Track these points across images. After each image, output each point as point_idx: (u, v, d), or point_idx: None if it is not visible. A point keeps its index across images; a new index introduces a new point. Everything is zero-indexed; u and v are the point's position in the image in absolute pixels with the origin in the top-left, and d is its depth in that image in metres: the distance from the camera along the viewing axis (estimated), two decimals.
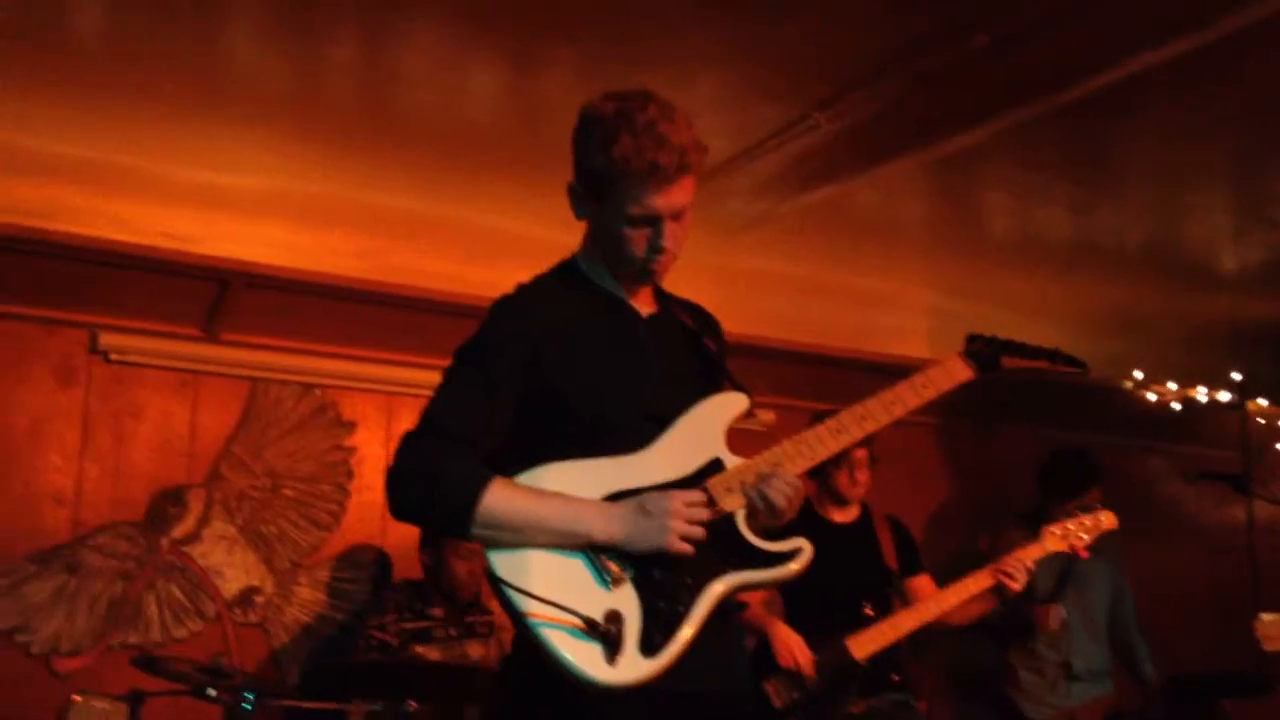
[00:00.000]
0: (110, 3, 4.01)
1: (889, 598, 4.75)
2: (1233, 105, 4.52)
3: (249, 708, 4.26)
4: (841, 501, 4.86)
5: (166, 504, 5.44)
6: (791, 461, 2.51)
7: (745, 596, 2.48)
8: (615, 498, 2.38)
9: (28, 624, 5.11)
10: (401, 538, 5.48)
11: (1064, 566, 5.32)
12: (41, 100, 4.58)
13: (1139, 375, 6.76)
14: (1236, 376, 6.68)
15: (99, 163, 4.93)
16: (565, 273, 2.64)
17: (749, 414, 2.57)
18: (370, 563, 5.74)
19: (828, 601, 4.44)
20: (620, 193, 2.45)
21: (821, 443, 2.56)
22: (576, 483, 2.37)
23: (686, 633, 2.30)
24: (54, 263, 5.11)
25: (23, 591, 5.12)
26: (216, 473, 5.55)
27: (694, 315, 2.72)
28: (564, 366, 2.44)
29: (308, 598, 5.62)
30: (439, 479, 2.34)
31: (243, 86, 4.50)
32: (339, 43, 4.24)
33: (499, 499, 2.31)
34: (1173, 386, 6.80)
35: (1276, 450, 7.10)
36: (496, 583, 2.31)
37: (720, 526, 2.40)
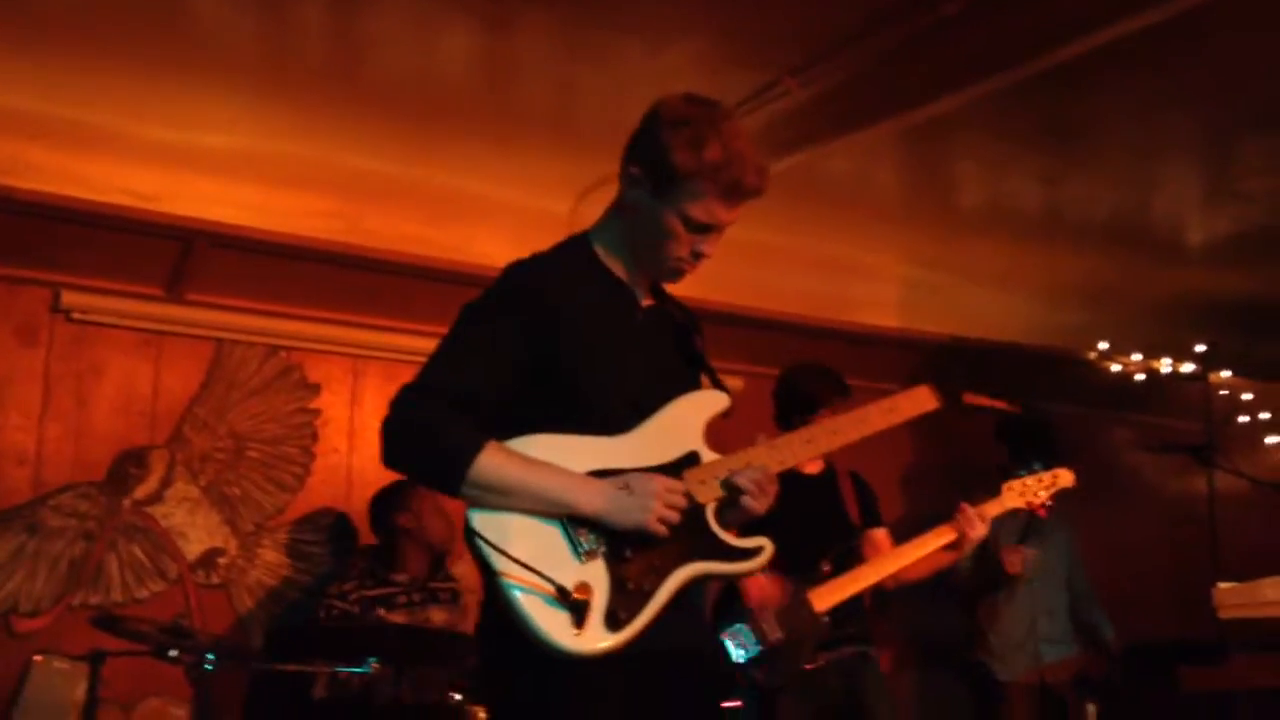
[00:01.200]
0: None
1: (852, 551, 4.77)
2: (1203, 77, 4.53)
3: (210, 669, 4.25)
4: None
5: (128, 464, 5.40)
6: (762, 463, 2.62)
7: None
8: (596, 475, 2.47)
9: None
10: (365, 502, 5.48)
11: (1024, 525, 5.36)
12: (3, 55, 4.51)
13: (1103, 346, 6.80)
14: (1200, 348, 6.72)
15: (62, 119, 4.87)
16: (576, 250, 2.68)
17: (728, 414, 2.67)
18: (334, 526, 5.72)
19: (793, 552, 4.48)
20: (689, 193, 2.53)
21: (792, 450, 2.69)
22: (562, 455, 2.46)
23: (649, 613, 2.41)
24: (16, 220, 5.06)
25: None
26: (179, 434, 5.52)
27: (683, 311, 2.81)
28: (563, 342, 2.51)
29: (271, 560, 5.61)
30: (437, 436, 2.42)
31: (210, 43, 4.44)
32: (309, 1, 4.20)
33: (492, 462, 2.39)
34: (1137, 357, 6.85)
35: (1238, 422, 7.16)
36: (473, 537, 2.39)
37: (691, 517, 2.51)
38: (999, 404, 3.30)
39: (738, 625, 4.41)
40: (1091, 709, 5.80)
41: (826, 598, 4.48)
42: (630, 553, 2.44)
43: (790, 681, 4.41)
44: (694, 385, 2.68)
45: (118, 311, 5.43)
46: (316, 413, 5.79)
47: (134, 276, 5.44)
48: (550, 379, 2.50)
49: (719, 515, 2.56)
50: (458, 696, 4.49)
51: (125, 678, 4.78)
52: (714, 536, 2.53)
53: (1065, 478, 4.73)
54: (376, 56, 4.55)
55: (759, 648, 4.39)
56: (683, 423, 2.60)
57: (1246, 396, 7.09)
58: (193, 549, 5.47)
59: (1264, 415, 7.14)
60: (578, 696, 2.37)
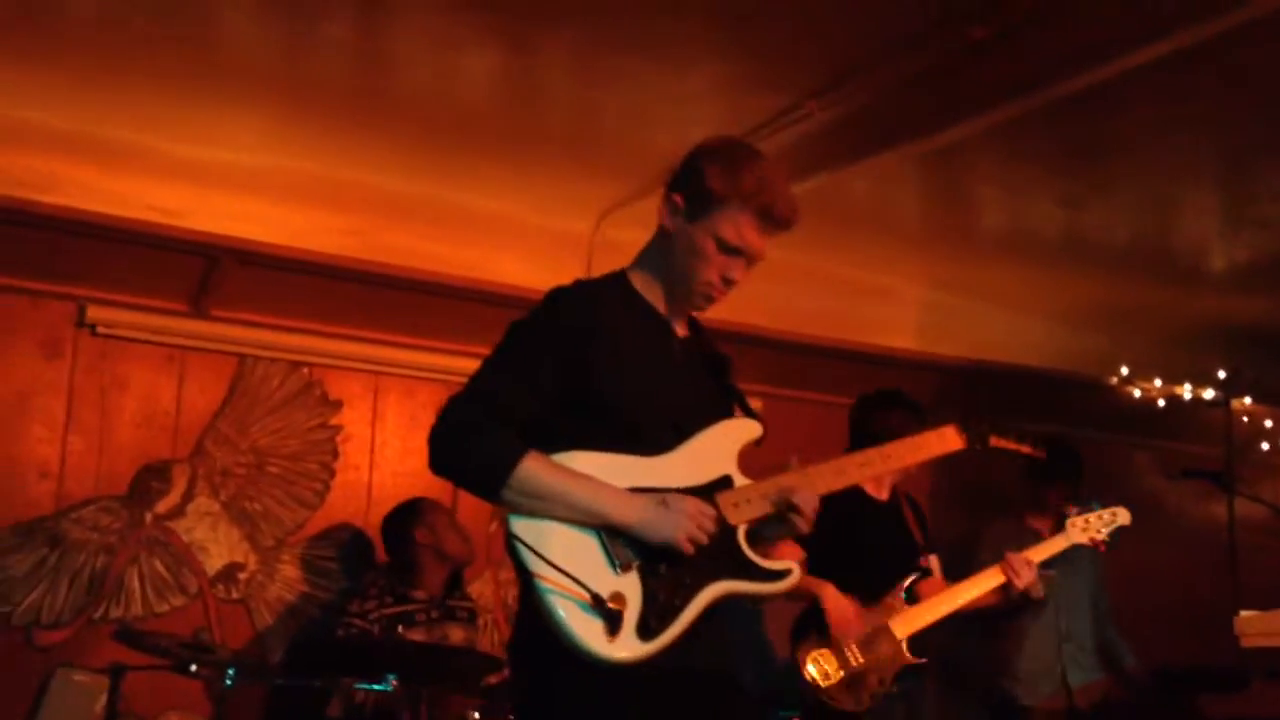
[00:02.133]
0: None
1: (919, 571, 4.78)
2: (1224, 104, 4.53)
3: (230, 684, 4.25)
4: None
5: (150, 479, 5.43)
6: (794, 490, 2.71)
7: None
8: (634, 492, 2.57)
9: (8, 596, 5.10)
10: (383, 518, 5.50)
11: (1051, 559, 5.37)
12: (33, 72, 4.56)
13: (1124, 371, 6.78)
14: (1221, 374, 6.70)
15: (89, 136, 4.91)
16: (616, 282, 2.80)
17: (759, 443, 2.77)
18: (353, 542, 5.74)
19: (871, 578, 4.52)
20: (725, 218, 2.67)
21: (824, 479, 2.78)
22: (602, 472, 2.56)
23: (679, 626, 2.49)
24: (42, 235, 5.09)
25: (4, 563, 5.11)
26: (201, 448, 5.54)
27: (717, 351, 2.92)
28: (605, 367, 2.61)
29: (291, 575, 5.62)
30: (482, 441, 2.53)
31: (236, 62, 4.48)
32: (333, 20, 4.23)
33: (534, 468, 2.50)
34: (1158, 383, 6.82)
35: (1260, 448, 7.12)
36: (513, 541, 2.48)
37: (722, 538, 2.60)
38: (1025, 448, 3.35)
39: (821, 650, 4.43)
40: None
41: (906, 625, 4.51)
42: (664, 568, 2.52)
43: (868, 707, 4.42)
44: (728, 413, 2.78)
45: (142, 326, 5.47)
46: (338, 429, 5.81)
47: (158, 292, 5.48)
48: (591, 400, 2.60)
49: (749, 538, 2.64)
50: (476, 715, 4.49)
51: (145, 692, 4.79)
52: (744, 557, 2.62)
53: (1124, 516, 4.85)
54: (400, 77, 4.59)
55: (842, 673, 4.39)
56: (718, 447, 2.71)
57: (1268, 423, 7.06)
58: (213, 564, 5.49)
59: None
60: (606, 703, 2.45)
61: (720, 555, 2.58)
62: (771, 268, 5.91)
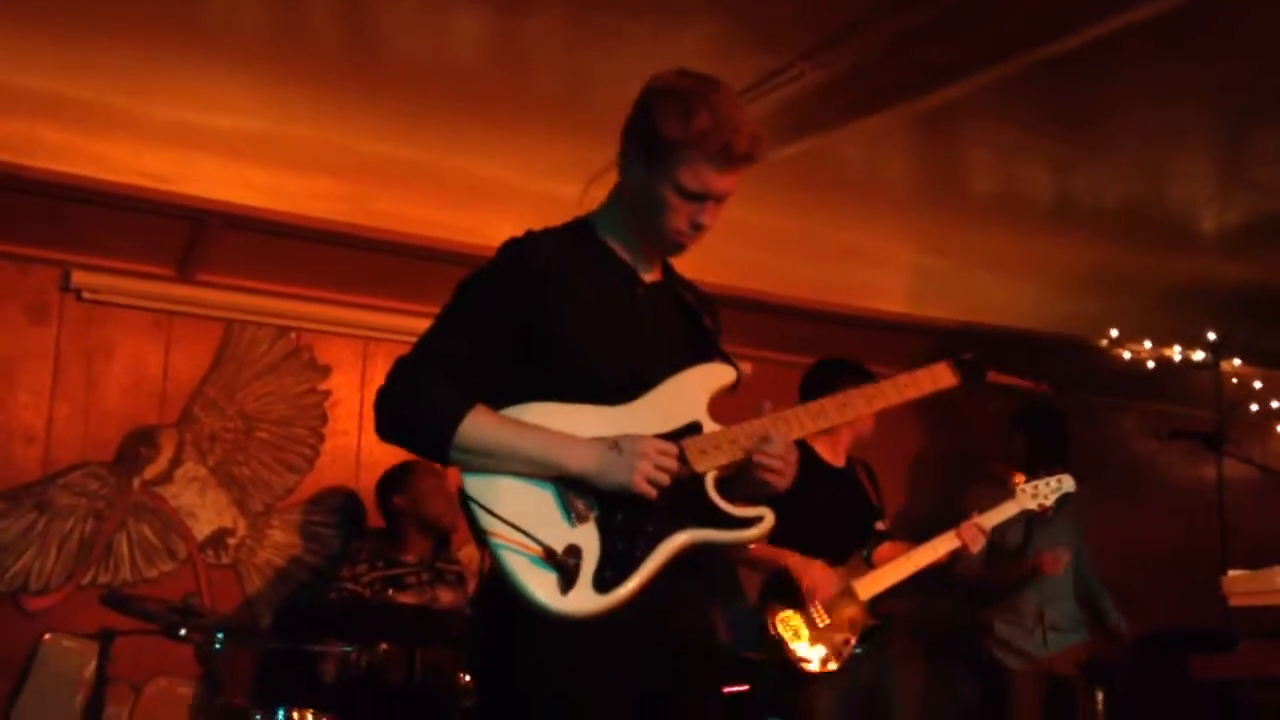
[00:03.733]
0: None
1: (878, 539, 4.82)
2: (1217, 65, 4.50)
3: (219, 648, 4.26)
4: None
5: (138, 444, 5.42)
6: (768, 433, 2.57)
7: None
8: (591, 441, 2.46)
9: None
10: (375, 483, 5.49)
11: (1028, 519, 5.41)
12: (16, 34, 4.50)
13: (1114, 333, 6.78)
14: (1211, 336, 6.71)
15: (74, 99, 4.86)
16: (576, 229, 2.70)
17: (734, 388, 2.65)
18: (343, 507, 5.73)
19: (830, 542, 4.57)
20: (681, 163, 2.53)
21: (800, 423, 2.63)
22: (558, 423, 2.46)
23: (639, 577, 2.39)
24: (27, 199, 5.06)
25: None
26: (189, 414, 5.53)
27: (695, 293, 2.81)
28: (561, 316, 2.52)
29: (280, 540, 5.62)
30: (424, 402, 2.45)
31: (223, 25, 4.43)
32: None
33: (479, 424, 2.42)
34: (1148, 345, 6.83)
35: (1249, 410, 7.14)
36: (465, 500, 2.41)
37: (689, 486, 2.49)
38: (1026, 383, 3.13)
39: (787, 611, 4.48)
40: (1100, 696, 5.82)
41: (869, 587, 4.56)
42: (622, 517, 2.42)
43: (835, 667, 4.46)
44: (700, 360, 2.65)
45: (128, 291, 5.45)
46: (326, 394, 5.80)
47: (144, 256, 5.45)
48: (545, 350, 2.51)
49: (721, 488, 2.52)
50: (468, 678, 4.50)
51: (134, 656, 4.79)
52: (711, 505, 2.50)
53: (1068, 483, 4.96)
54: (388, 39, 4.55)
55: (809, 633, 4.45)
56: (686, 394, 2.59)
57: (1257, 384, 7.06)
58: (202, 529, 5.49)
59: (1275, 403, 7.11)
60: (564, 660, 2.38)
61: (686, 503, 2.46)
62: (762, 231, 5.92)
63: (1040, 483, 4.88)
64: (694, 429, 2.55)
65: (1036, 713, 5.80)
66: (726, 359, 2.69)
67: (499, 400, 2.48)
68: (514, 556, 2.35)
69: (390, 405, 2.50)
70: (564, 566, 2.34)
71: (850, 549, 4.65)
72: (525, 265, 2.55)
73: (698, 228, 2.60)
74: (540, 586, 2.34)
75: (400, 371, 2.52)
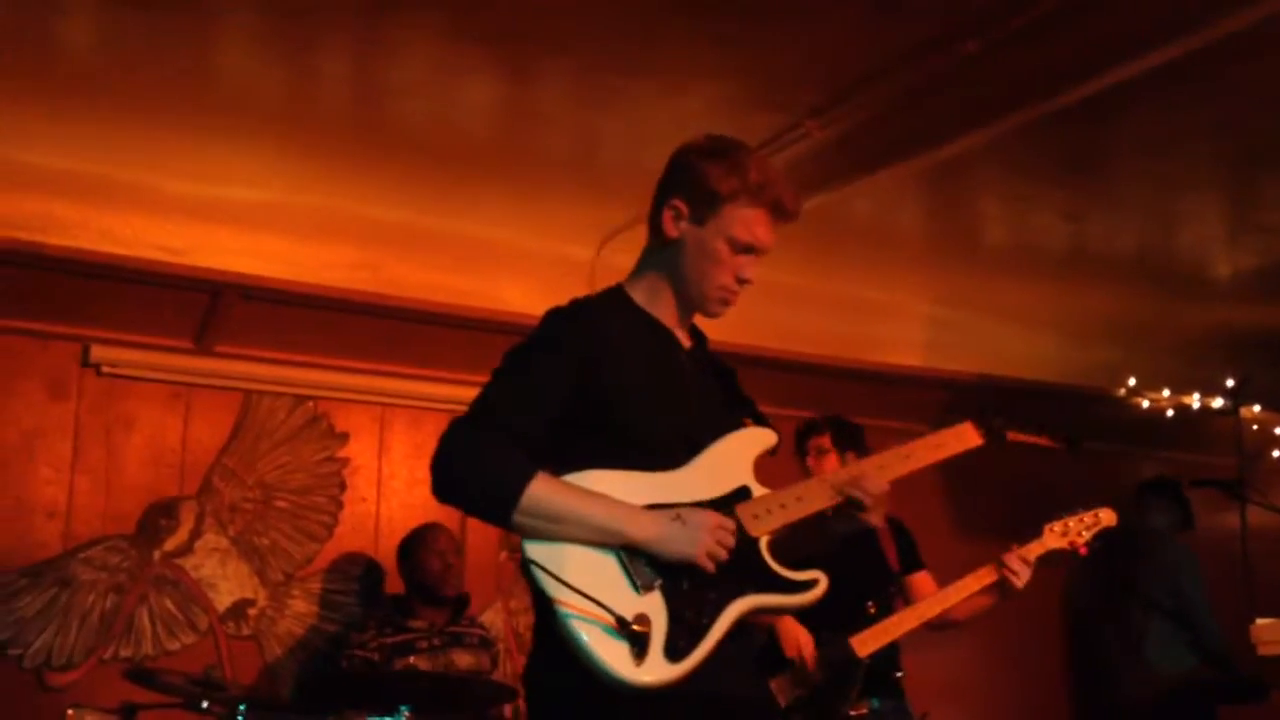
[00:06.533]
0: (102, 15, 4.00)
1: (891, 597, 4.74)
2: (1224, 110, 4.52)
3: None
4: None
5: (158, 516, 5.41)
6: (814, 497, 2.64)
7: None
8: (650, 509, 2.49)
9: (19, 637, 5.08)
10: (394, 550, 5.48)
11: None
12: (33, 113, 4.57)
13: (1132, 382, 6.76)
14: (1230, 383, 6.68)
15: (91, 175, 4.92)
16: (613, 296, 2.74)
17: (774, 451, 2.70)
18: (362, 575, 5.72)
19: (832, 600, 4.45)
20: (734, 216, 2.61)
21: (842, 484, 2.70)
22: (615, 490, 2.48)
23: (708, 644, 2.41)
24: (46, 276, 5.10)
25: (14, 605, 5.09)
26: (208, 485, 5.53)
27: (720, 361, 2.86)
28: (614, 386, 2.55)
29: (301, 610, 5.60)
30: (489, 464, 2.44)
31: (235, 98, 4.49)
32: (331, 54, 4.24)
33: (544, 489, 2.42)
34: (1166, 393, 6.80)
35: (1271, 456, 7.09)
36: (529, 566, 2.39)
37: (745, 551, 2.51)
38: (1043, 440, 3.20)
39: (783, 669, 4.41)
40: None
41: (869, 643, 4.45)
42: (687, 585, 2.44)
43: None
44: (739, 423, 2.70)
45: (147, 364, 5.46)
46: (345, 461, 5.80)
47: (162, 329, 5.47)
48: (601, 420, 2.53)
49: (772, 549, 2.56)
50: None
51: None
52: (768, 569, 2.53)
53: (1107, 517, 4.63)
54: (398, 107, 4.59)
55: (800, 692, 4.38)
56: (733, 458, 2.62)
57: (1278, 430, 7.03)
58: (223, 600, 5.47)
59: None
60: None
61: (744, 569, 2.49)
62: (777, 288, 5.92)
63: (1071, 519, 4.45)
64: (743, 494, 2.59)
65: None
66: (764, 421, 2.74)
67: (553, 466, 2.48)
68: (585, 625, 2.34)
69: (452, 465, 2.47)
70: (636, 636, 2.33)
71: (855, 605, 4.43)
72: (577, 331, 2.58)
73: (742, 282, 2.66)
74: (614, 658, 2.33)
75: (460, 432, 2.49)
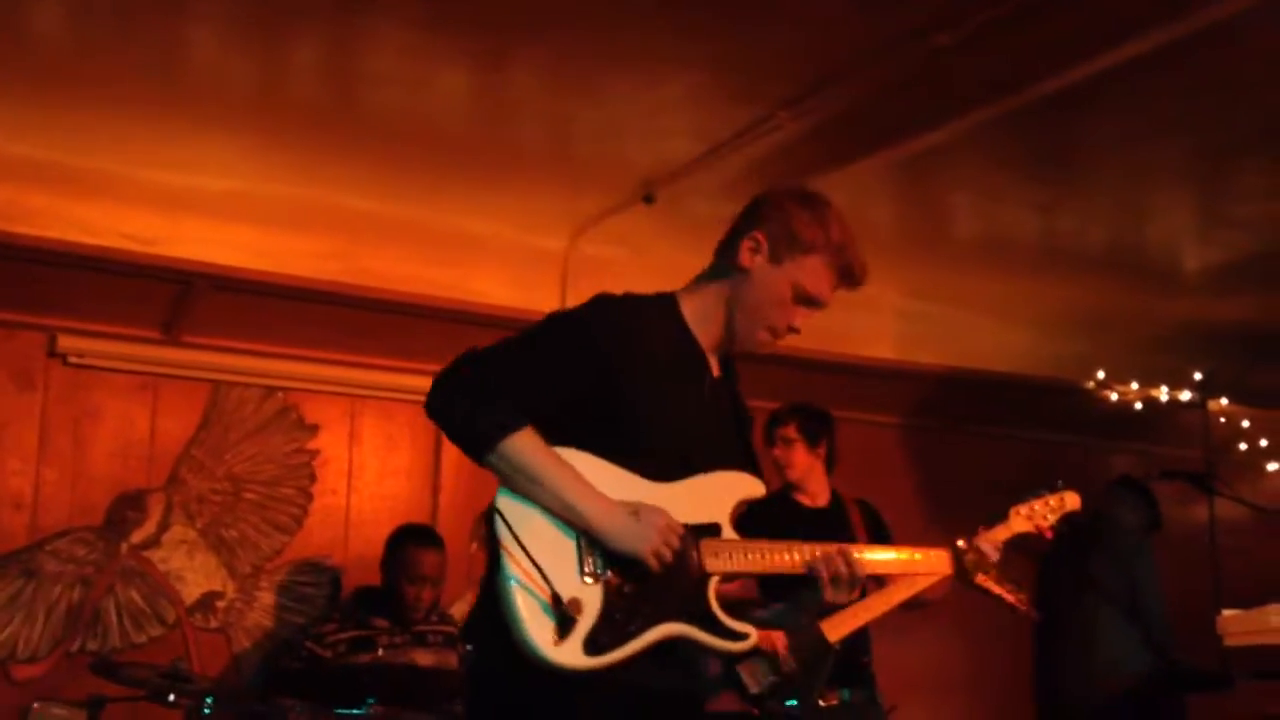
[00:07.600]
0: (72, 1, 3.97)
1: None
2: (1195, 104, 4.55)
3: (209, 712, 4.22)
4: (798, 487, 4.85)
5: (126, 508, 5.38)
6: (779, 559, 2.70)
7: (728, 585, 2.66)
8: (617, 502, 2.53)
9: None
10: (364, 542, 5.47)
11: None
12: (1, 101, 4.52)
13: (1101, 375, 6.79)
14: (1198, 376, 6.73)
15: (58, 164, 4.88)
16: (664, 304, 2.76)
17: (755, 503, 2.74)
18: (331, 567, 5.69)
19: (803, 583, 4.45)
20: (809, 266, 2.69)
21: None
22: (599, 479, 2.52)
23: (625, 650, 2.45)
24: (12, 265, 5.05)
25: None
26: (176, 476, 5.50)
27: (743, 403, 2.90)
28: (634, 384, 2.57)
29: (269, 602, 5.58)
30: (486, 398, 2.49)
31: (206, 87, 4.46)
32: (303, 43, 4.22)
33: (529, 444, 2.47)
34: (1135, 386, 6.84)
35: (1238, 449, 7.15)
36: (494, 514, 2.44)
37: (694, 581, 2.56)
38: (1009, 597, 3.31)
39: (751, 659, 4.40)
40: None
41: (839, 627, 4.46)
42: (629, 590, 2.48)
43: (808, 712, 4.39)
44: (738, 465, 2.74)
45: (114, 355, 5.42)
46: (314, 453, 5.77)
47: (130, 320, 5.43)
48: (613, 411, 2.56)
49: (718, 593, 2.59)
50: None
51: None
52: (707, 606, 2.56)
53: (1072, 500, 4.61)
54: (371, 97, 4.57)
55: (773, 678, 4.37)
56: (717, 494, 2.66)
57: (1245, 423, 7.08)
58: (191, 592, 5.44)
59: (1263, 442, 7.12)
60: (555, 702, 2.42)
61: (686, 597, 2.54)
62: None
63: (1038, 502, 4.55)
64: (713, 530, 2.62)
65: None
66: (759, 473, 2.78)
67: (550, 434, 2.51)
68: (521, 591, 2.39)
69: (454, 388, 2.52)
70: (565, 618, 2.38)
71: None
72: (615, 325, 2.61)
73: (793, 331, 2.73)
74: (537, 629, 2.38)
75: (474, 363, 2.54)
